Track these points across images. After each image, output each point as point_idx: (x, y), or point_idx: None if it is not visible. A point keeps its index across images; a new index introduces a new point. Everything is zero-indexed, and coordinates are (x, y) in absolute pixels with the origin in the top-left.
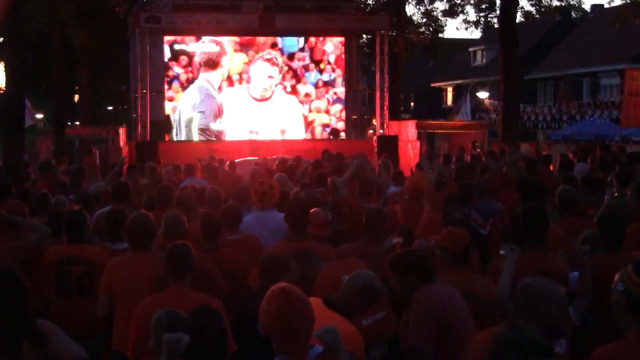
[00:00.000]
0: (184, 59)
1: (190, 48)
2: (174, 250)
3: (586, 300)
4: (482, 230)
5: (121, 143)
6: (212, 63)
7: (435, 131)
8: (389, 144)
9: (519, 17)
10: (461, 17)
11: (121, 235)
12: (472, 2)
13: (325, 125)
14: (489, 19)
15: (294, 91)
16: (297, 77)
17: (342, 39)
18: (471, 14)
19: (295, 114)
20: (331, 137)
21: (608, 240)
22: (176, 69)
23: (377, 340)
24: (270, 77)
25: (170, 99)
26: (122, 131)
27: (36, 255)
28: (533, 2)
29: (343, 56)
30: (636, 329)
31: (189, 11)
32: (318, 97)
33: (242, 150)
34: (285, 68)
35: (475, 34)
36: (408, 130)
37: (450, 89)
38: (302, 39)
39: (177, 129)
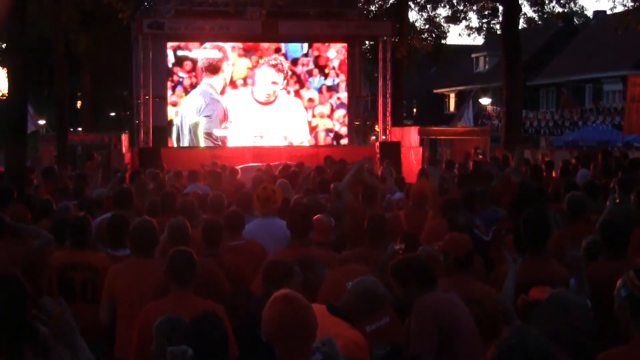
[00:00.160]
0: (187, 64)
1: (193, 54)
2: (176, 256)
3: None
4: (484, 237)
5: (124, 149)
6: (212, 68)
7: (438, 137)
8: (392, 150)
9: (521, 24)
10: (464, 23)
11: (123, 241)
12: (474, 8)
13: (328, 130)
14: (491, 26)
15: (297, 96)
16: (301, 82)
17: (345, 44)
18: (474, 20)
19: (299, 116)
20: (334, 142)
21: (610, 246)
22: (180, 74)
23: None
24: (274, 82)
25: (174, 104)
26: (124, 137)
27: (39, 261)
28: (535, 9)
29: (346, 61)
30: None
31: (192, 17)
32: (321, 102)
33: (245, 157)
34: (290, 73)
35: (478, 40)
36: (410, 137)
37: (452, 95)
38: (306, 45)
39: (180, 134)
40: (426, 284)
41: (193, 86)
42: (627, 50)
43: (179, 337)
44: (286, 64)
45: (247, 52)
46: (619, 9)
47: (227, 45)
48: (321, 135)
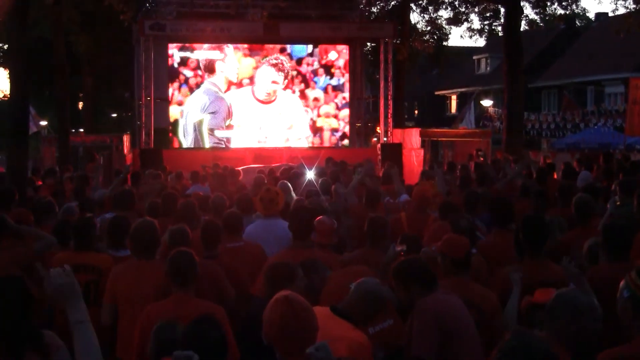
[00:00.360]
0: (193, 62)
1: (194, 55)
2: (177, 257)
3: None
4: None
5: (125, 150)
6: (211, 68)
7: (439, 139)
8: (393, 152)
9: (523, 26)
10: (465, 25)
11: (124, 242)
12: (476, 10)
13: (334, 130)
14: (493, 27)
15: (302, 96)
16: (306, 82)
17: (346, 46)
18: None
19: (299, 114)
20: (340, 142)
21: (612, 249)
22: (186, 72)
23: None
24: (274, 82)
25: (180, 103)
26: (126, 138)
27: (40, 262)
28: (537, 11)
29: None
30: None
31: (194, 19)
32: (327, 102)
33: (246, 158)
34: (294, 73)
35: (480, 42)
36: (412, 138)
37: (454, 97)
38: (311, 44)
39: (184, 132)
40: (427, 285)
41: (198, 85)
42: (629, 52)
43: (172, 344)
44: (287, 64)
45: (252, 52)
46: (621, 11)
47: (231, 46)
48: (326, 135)
